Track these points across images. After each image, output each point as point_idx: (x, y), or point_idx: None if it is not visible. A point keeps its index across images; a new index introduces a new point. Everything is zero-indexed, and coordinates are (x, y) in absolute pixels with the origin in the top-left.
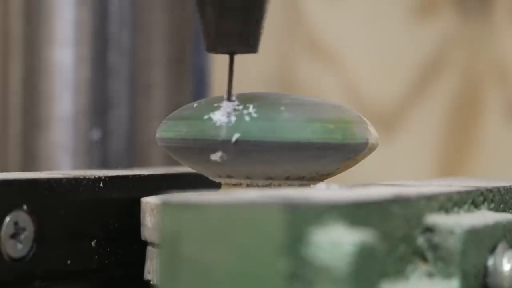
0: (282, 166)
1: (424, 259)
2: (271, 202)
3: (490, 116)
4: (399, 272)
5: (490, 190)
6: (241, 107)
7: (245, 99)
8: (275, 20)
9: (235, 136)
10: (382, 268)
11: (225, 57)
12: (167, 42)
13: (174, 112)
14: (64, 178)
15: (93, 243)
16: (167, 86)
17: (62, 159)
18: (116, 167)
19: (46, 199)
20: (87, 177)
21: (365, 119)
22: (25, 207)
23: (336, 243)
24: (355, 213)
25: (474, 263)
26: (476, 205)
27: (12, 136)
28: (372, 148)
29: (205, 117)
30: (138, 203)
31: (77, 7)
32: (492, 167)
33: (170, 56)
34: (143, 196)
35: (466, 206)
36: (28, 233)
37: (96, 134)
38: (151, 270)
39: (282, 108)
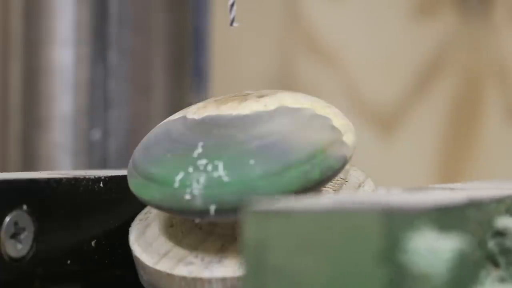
0: None
1: (496, 264)
2: (367, 208)
3: (490, 116)
4: (476, 278)
5: None
6: (209, 167)
7: (212, 151)
8: (275, 20)
9: (212, 208)
10: (471, 274)
11: (225, 57)
12: (167, 42)
13: (143, 156)
14: (64, 178)
15: (93, 243)
16: (167, 86)
17: (62, 159)
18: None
19: (46, 199)
20: (87, 177)
21: (339, 123)
22: (25, 207)
23: (434, 249)
24: (441, 218)
25: None
26: None
27: (12, 136)
28: (350, 158)
29: (176, 184)
30: (138, 203)
31: (77, 7)
32: (492, 167)
33: (170, 56)
34: None
35: None
36: (28, 233)
37: (96, 134)
38: None
39: (252, 161)
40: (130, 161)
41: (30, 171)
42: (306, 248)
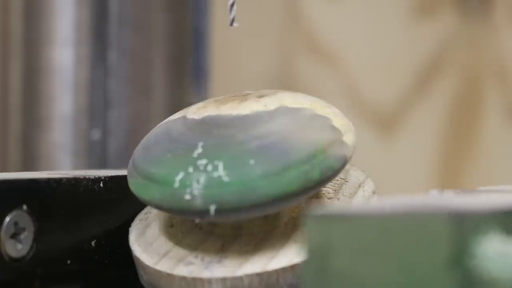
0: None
1: None
2: (435, 211)
3: (490, 116)
4: None
5: None
6: (209, 167)
7: (212, 151)
8: (275, 20)
9: (212, 208)
10: None
11: (225, 57)
12: (167, 42)
13: (143, 156)
14: (64, 178)
15: (93, 243)
16: (167, 86)
17: (62, 159)
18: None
19: (46, 199)
20: (87, 177)
21: (339, 123)
22: (25, 207)
23: (503, 253)
24: (506, 221)
25: None
26: None
27: (12, 136)
28: (350, 158)
29: (176, 184)
30: (138, 203)
31: (77, 7)
32: (492, 167)
33: (170, 56)
34: None
35: None
36: (28, 233)
37: (96, 134)
38: None
39: (252, 161)
40: (130, 161)
41: (30, 171)
42: (371, 252)
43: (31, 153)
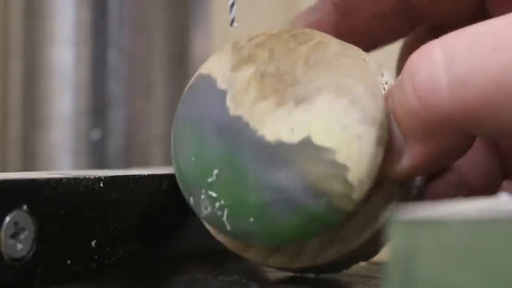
0: None
1: None
2: None
3: None
4: None
5: None
6: (217, 204)
7: (223, 187)
8: (275, 20)
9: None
10: None
11: None
12: (167, 42)
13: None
14: (64, 178)
15: (93, 243)
16: (167, 86)
17: (62, 159)
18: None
19: (46, 199)
20: (87, 177)
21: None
22: (25, 207)
23: None
24: None
25: None
26: None
27: (12, 136)
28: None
29: (191, 201)
30: (138, 203)
31: (77, 7)
32: None
33: (170, 56)
34: (142, 196)
35: None
36: (28, 233)
37: (96, 134)
38: None
39: (251, 220)
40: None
41: (30, 171)
42: (460, 260)
43: (31, 153)
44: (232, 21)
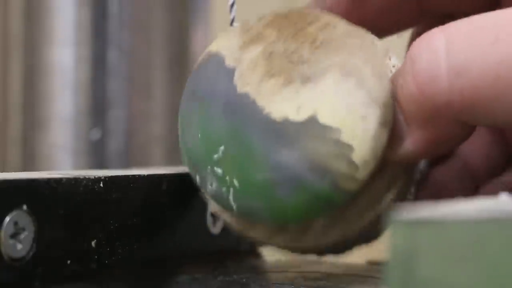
0: None
1: None
2: None
3: None
4: None
5: None
6: (223, 182)
7: (229, 164)
8: None
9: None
10: None
11: None
12: (167, 42)
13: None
14: (64, 178)
15: (93, 243)
16: (167, 86)
17: (62, 159)
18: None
19: (46, 199)
20: (87, 177)
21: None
22: (25, 207)
23: None
24: None
25: None
26: None
27: (12, 136)
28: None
29: (197, 179)
30: (138, 203)
31: (77, 7)
32: None
33: (170, 56)
34: (142, 196)
35: None
36: (28, 233)
37: (96, 134)
38: None
39: (256, 196)
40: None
41: (30, 171)
42: (462, 260)
43: (31, 153)
44: (232, 21)
